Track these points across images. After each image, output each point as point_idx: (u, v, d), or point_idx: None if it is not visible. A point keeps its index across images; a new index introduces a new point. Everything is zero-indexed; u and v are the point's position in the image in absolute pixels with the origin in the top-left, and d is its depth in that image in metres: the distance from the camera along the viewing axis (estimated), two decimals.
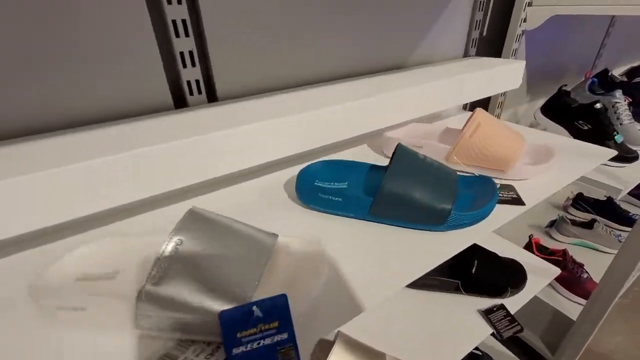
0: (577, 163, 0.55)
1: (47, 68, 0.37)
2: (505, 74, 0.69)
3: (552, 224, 1.35)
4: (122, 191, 0.36)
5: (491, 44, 0.87)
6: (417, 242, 0.38)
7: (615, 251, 1.26)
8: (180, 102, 0.47)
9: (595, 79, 1.05)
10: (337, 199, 0.41)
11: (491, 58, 0.77)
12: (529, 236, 1.18)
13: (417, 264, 0.35)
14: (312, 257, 0.34)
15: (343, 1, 0.55)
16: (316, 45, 0.56)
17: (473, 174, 0.52)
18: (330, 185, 0.45)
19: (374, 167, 0.48)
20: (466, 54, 0.79)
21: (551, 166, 0.51)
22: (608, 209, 1.39)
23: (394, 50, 0.66)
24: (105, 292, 0.29)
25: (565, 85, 0.97)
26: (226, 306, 0.26)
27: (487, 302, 0.67)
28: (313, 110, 0.46)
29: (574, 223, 1.30)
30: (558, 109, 0.97)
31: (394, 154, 0.42)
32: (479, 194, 0.42)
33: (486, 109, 1.00)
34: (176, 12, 0.41)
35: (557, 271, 0.74)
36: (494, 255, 0.72)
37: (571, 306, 1.06)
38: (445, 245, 0.37)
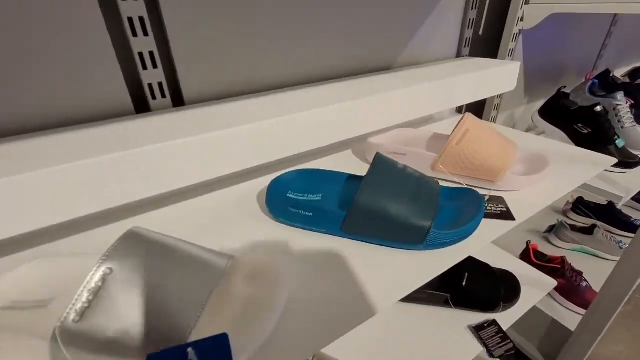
0: (574, 172, 0.51)
1: None
2: (499, 76, 0.66)
3: (551, 229, 1.31)
4: (68, 205, 0.32)
5: (487, 43, 0.83)
6: (393, 263, 0.35)
7: (616, 258, 1.22)
8: (141, 106, 0.43)
9: (596, 80, 1.01)
10: (307, 213, 0.38)
11: (485, 59, 0.73)
12: (527, 242, 1.14)
13: (392, 289, 0.31)
14: (273, 281, 0.30)
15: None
16: (295, 44, 0.52)
17: (460, 184, 0.48)
18: (303, 197, 0.42)
19: (352, 178, 0.45)
20: (459, 55, 0.75)
21: (545, 176, 0.47)
22: (609, 214, 1.35)
23: (381, 51, 0.63)
24: (30, 326, 0.26)
25: (565, 87, 0.93)
26: (158, 348, 0.22)
27: (478, 317, 0.63)
28: (289, 115, 0.43)
29: (574, 228, 1.26)
30: (557, 112, 0.93)
31: (371, 164, 0.39)
32: (463, 208, 0.39)
33: (482, 111, 0.96)
34: (132, 9, 0.38)
35: (553, 283, 0.70)
36: (485, 266, 0.68)
37: (570, 316, 1.02)
38: (424, 267, 0.34)
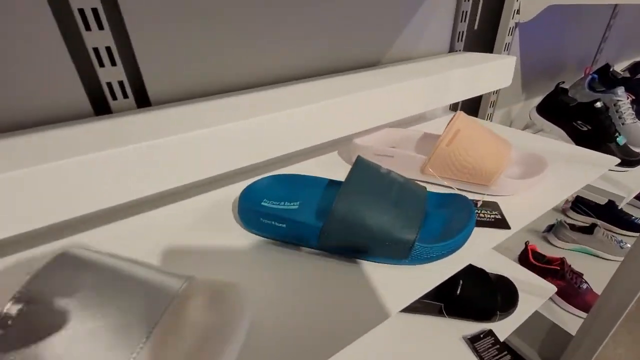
0: (574, 174, 0.47)
1: None
2: (494, 71, 0.62)
3: (550, 228, 1.27)
4: (11, 219, 0.29)
5: (482, 38, 0.80)
6: (375, 281, 0.31)
7: (617, 258, 1.19)
8: (101, 107, 0.39)
9: (596, 75, 0.98)
10: (280, 224, 0.34)
11: (480, 53, 0.69)
12: (525, 243, 1.11)
13: (375, 311, 0.28)
14: (234, 308, 0.26)
15: None
16: (272, 39, 0.49)
17: (452, 188, 0.45)
18: (278, 206, 0.38)
19: (334, 184, 0.41)
20: (452, 49, 0.71)
21: (543, 179, 0.43)
22: (609, 213, 1.31)
23: (367, 45, 0.59)
24: None
25: (563, 82, 0.90)
26: None
27: (474, 327, 0.60)
28: (267, 115, 0.39)
29: (573, 228, 1.23)
30: (555, 108, 0.90)
31: (350, 169, 0.35)
32: (453, 216, 0.35)
33: (477, 108, 0.93)
34: (83, 1, 0.34)
35: (552, 289, 0.67)
36: (481, 273, 0.65)
37: (570, 319, 0.99)
38: (409, 284, 0.30)
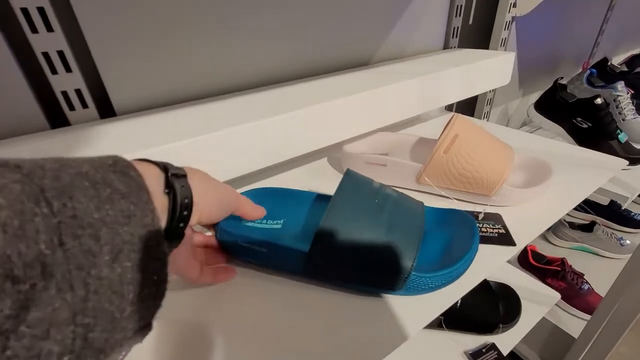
0: (580, 179, 0.44)
1: None
2: (492, 69, 0.58)
3: (550, 227, 1.25)
4: None
5: (477, 33, 0.76)
6: (366, 315, 0.27)
7: (617, 256, 1.17)
8: (58, 119, 0.35)
9: (594, 70, 0.94)
10: (261, 249, 0.30)
11: (475, 50, 0.65)
12: None
13: (364, 353, 0.24)
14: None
15: None
16: (252, 38, 0.45)
17: (449, 198, 0.41)
18: (260, 225, 0.34)
19: (321, 199, 0.37)
20: (446, 46, 0.67)
21: (548, 187, 0.40)
22: (609, 209, 1.29)
23: (358, 44, 0.55)
24: None
25: (562, 77, 0.87)
26: None
27: (476, 340, 0.56)
28: (248, 123, 0.35)
29: (572, 226, 1.21)
30: (553, 105, 0.87)
31: (338, 186, 0.31)
32: (452, 237, 0.32)
33: (474, 106, 0.89)
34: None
35: (556, 296, 0.64)
36: (482, 282, 0.61)
37: (572, 321, 0.97)
38: (404, 319, 0.27)
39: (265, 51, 0.46)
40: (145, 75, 0.38)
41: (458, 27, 0.66)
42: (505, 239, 0.35)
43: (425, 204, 0.35)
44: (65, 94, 0.34)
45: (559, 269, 1.01)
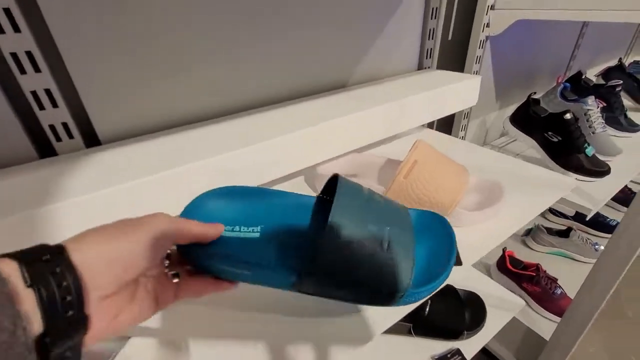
0: (530, 200, 0.48)
1: None
2: (459, 92, 0.62)
3: (529, 232, 1.30)
4: None
5: (454, 50, 0.80)
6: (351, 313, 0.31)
7: (592, 260, 1.22)
8: (46, 150, 0.38)
9: (568, 84, 0.99)
10: (241, 271, 0.26)
11: (446, 72, 0.69)
12: (503, 249, 1.13)
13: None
14: None
15: (261, 10, 0.47)
16: (227, 64, 0.48)
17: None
18: (232, 234, 0.29)
19: (301, 201, 0.33)
20: (420, 67, 0.71)
21: (499, 209, 0.44)
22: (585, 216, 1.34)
23: (333, 68, 0.58)
24: None
25: (534, 92, 0.91)
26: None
27: (443, 346, 0.60)
28: (224, 154, 0.38)
29: (550, 232, 1.25)
30: (527, 119, 0.91)
31: (328, 193, 0.30)
32: (434, 249, 0.31)
33: (452, 120, 0.93)
34: (16, 44, 0.32)
35: (521, 304, 0.68)
36: (451, 290, 0.65)
37: (544, 324, 1.02)
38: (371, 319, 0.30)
39: (243, 78, 0.50)
40: (128, 106, 0.41)
41: (431, 49, 0.70)
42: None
43: None
44: (52, 127, 0.37)
45: (534, 274, 1.05)
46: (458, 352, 0.58)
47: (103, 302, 0.20)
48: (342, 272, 0.25)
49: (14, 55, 0.33)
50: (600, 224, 1.31)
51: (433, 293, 0.29)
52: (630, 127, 1.05)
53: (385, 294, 0.26)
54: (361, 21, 0.57)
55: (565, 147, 0.85)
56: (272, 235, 0.29)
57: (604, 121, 0.95)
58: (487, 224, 0.43)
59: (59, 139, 0.38)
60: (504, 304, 0.68)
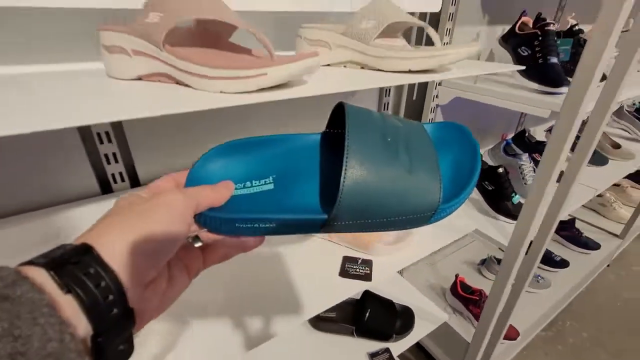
0: (434, 238, 0.68)
1: None
2: None
3: (483, 262, 1.49)
4: None
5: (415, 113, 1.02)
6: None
7: (534, 290, 1.41)
8: (106, 189, 0.59)
9: (510, 141, 1.21)
10: (267, 225, 0.25)
11: None
12: (455, 275, 1.32)
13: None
14: None
15: None
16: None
17: (340, 245, 0.65)
18: (246, 191, 0.28)
19: (308, 140, 0.31)
20: None
21: (408, 244, 0.64)
22: None
23: None
24: None
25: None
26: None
27: (377, 345, 0.79)
28: None
29: (500, 262, 1.45)
30: None
31: (336, 121, 0.29)
32: (454, 156, 0.29)
33: None
34: (101, 127, 0.54)
35: (444, 317, 0.87)
36: (389, 303, 0.85)
37: (470, 330, 1.19)
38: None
39: None
40: (161, 165, 0.63)
41: (388, 103, 0.91)
42: (367, 277, 0.58)
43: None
44: (113, 175, 0.58)
45: (477, 298, 1.24)
46: (387, 350, 0.77)
47: (145, 291, 0.21)
48: (372, 208, 0.24)
49: (98, 134, 0.54)
50: (546, 258, 1.50)
51: (463, 203, 0.28)
52: None
53: (419, 217, 0.26)
54: None
55: (497, 194, 1.06)
56: (287, 182, 0.28)
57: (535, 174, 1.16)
58: (398, 255, 0.63)
59: (115, 182, 0.59)
60: (430, 317, 0.87)
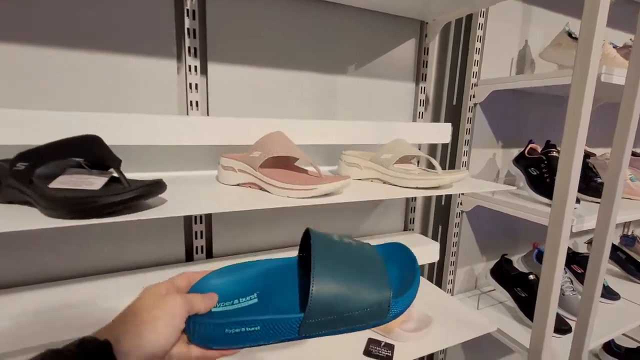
0: (451, 332, 0.73)
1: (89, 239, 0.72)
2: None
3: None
4: None
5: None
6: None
7: None
8: (189, 257, 0.79)
9: (543, 249, 1.24)
10: (252, 328, 0.31)
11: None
12: None
13: None
14: None
15: None
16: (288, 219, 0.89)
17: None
18: (233, 307, 0.34)
19: (280, 262, 0.40)
20: (406, 229, 1.07)
21: (427, 333, 0.70)
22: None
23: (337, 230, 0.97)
24: None
25: (506, 254, 1.17)
26: None
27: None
28: None
29: None
30: (501, 275, 1.15)
31: (305, 246, 0.39)
32: (399, 267, 0.39)
33: (441, 271, 1.21)
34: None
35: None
36: None
37: None
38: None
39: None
40: (234, 240, 0.82)
41: (413, 219, 1.06)
42: (388, 359, 0.65)
43: None
44: (196, 247, 0.78)
45: None
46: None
47: None
48: (337, 307, 0.31)
49: (195, 217, 0.77)
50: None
51: (412, 302, 0.36)
52: (608, 294, 1.20)
53: (377, 309, 0.33)
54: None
55: (531, 302, 1.06)
56: (269, 295, 0.35)
57: (572, 286, 1.15)
58: (419, 342, 0.69)
59: (196, 253, 0.78)
60: None
